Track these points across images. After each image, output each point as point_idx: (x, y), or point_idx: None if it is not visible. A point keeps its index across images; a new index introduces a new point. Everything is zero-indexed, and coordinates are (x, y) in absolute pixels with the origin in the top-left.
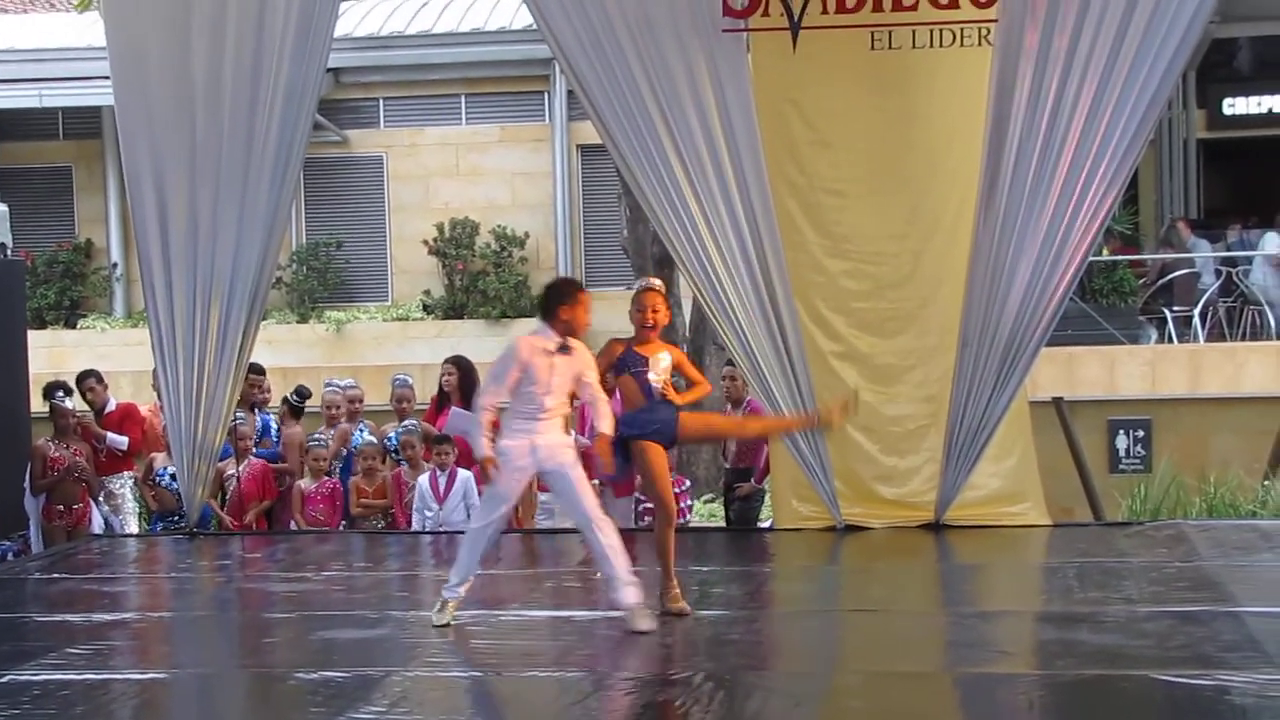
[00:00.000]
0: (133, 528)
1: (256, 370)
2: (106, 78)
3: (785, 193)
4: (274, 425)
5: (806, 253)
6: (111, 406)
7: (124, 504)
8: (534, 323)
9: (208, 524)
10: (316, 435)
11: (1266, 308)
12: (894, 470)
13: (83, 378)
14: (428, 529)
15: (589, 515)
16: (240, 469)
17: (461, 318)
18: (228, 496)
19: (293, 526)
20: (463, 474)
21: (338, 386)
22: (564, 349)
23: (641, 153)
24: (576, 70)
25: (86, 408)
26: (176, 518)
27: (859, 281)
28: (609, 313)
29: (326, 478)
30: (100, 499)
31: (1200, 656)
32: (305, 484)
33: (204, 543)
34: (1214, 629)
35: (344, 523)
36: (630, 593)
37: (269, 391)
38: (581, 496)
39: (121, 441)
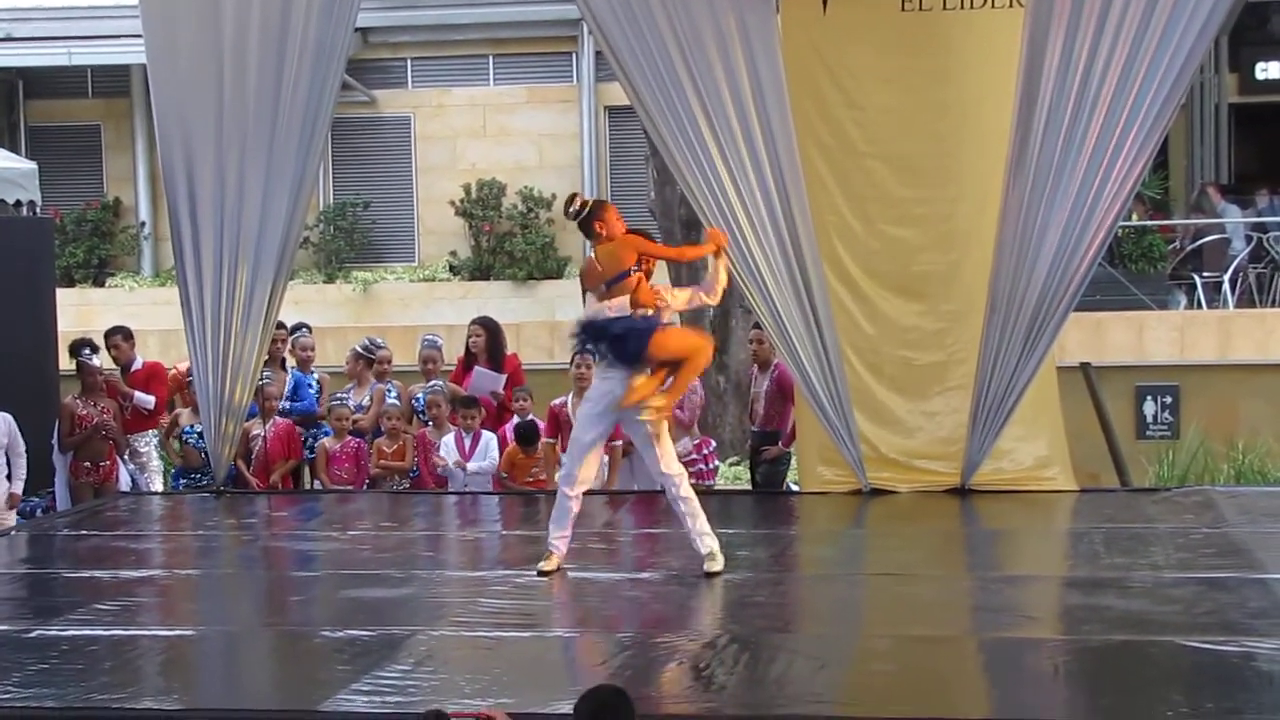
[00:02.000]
0: (158, 485)
1: (300, 329)
2: (136, 36)
3: (814, 154)
4: (314, 383)
5: (836, 214)
6: (138, 365)
7: (149, 462)
8: (559, 284)
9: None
10: (339, 394)
11: None
12: (920, 433)
13: (111, 334)
14: (452, 489)
15: (663, 469)
16: (266, 429)
17: (488, 279)
18: (253, 456)
19: (318, 485)
20: (486, 435)
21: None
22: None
23: (669, 114)
24: (605, 31)
25: (112, 364)
26: (198, 475)
27: (887, 244)
28: None
29: (350, 437)
30: (126, 457)
31: (1227, 623)
32: (329, 443)
33: (230, 501)
34: (1241, 595)
35: (366, 483)
36: (705, 541)
37: (313, 351)
38: (658, 449)
39: (148, 400)
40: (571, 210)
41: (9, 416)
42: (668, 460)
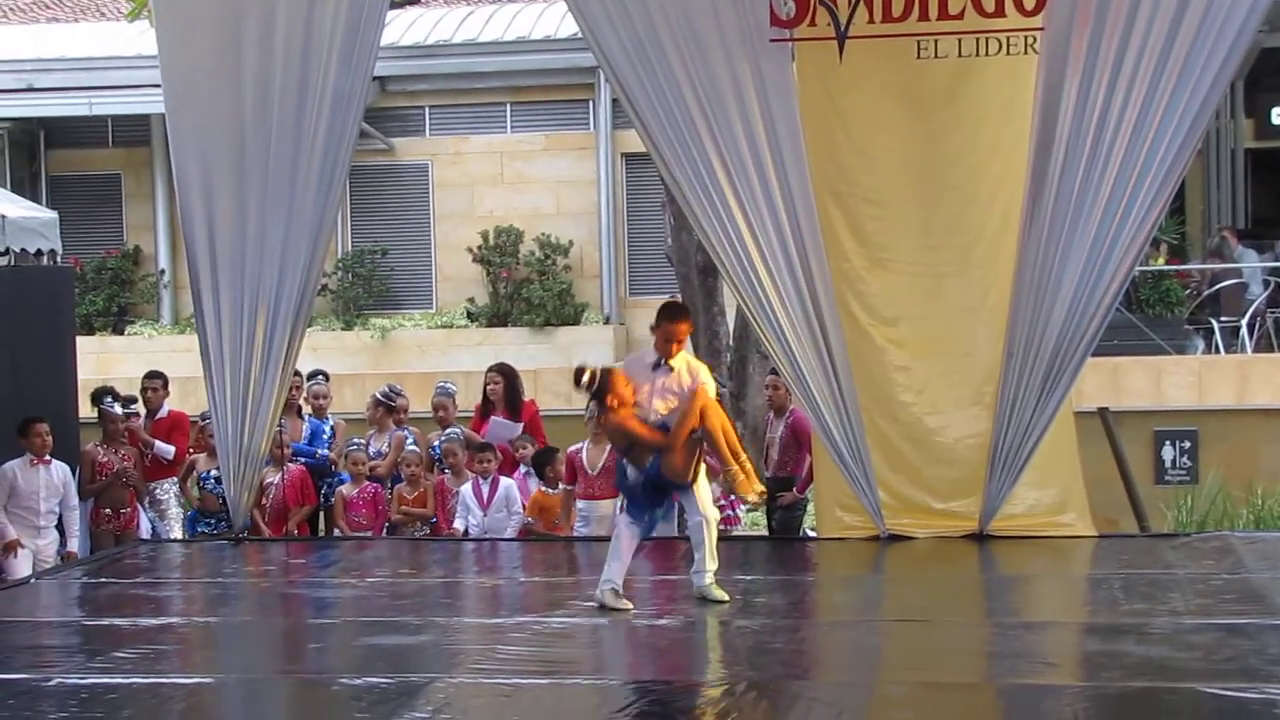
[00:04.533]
0: (177, 533)
1: (316, 376)
2: (156, 86)
3: (829, 202)
4: (328, 429)
5: (849, 263)
6: (163, 413)
7: (169, 510)
8: (576, 330)
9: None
10: (356, 440)
11: None
12: (938, 481)
13: (150, 376)
14: (471, 536)
15: (700, 511)
16: (280, 476)
17: (505, 325)
18: (268, 504)
19: (337, 533)
20: (505, 481)
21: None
22: (658, 365)
23: (686, 161)
24: (621, 79)
25: (142, 407)
26: (215, 520)
27: (900, 293)
28: (651, 321)
29: (368, 482)
30: (145, 505)
31: (1247, 669)
32: (347, 489)
33: (248, 548)
34: (1261, 641)
35: (386, 528)
36: (706, 576)
37: (328, 399)
38: (697, 494)
39: (168, 451)
40: (583, 382)
41: (66, 467)
42: (705, 503)
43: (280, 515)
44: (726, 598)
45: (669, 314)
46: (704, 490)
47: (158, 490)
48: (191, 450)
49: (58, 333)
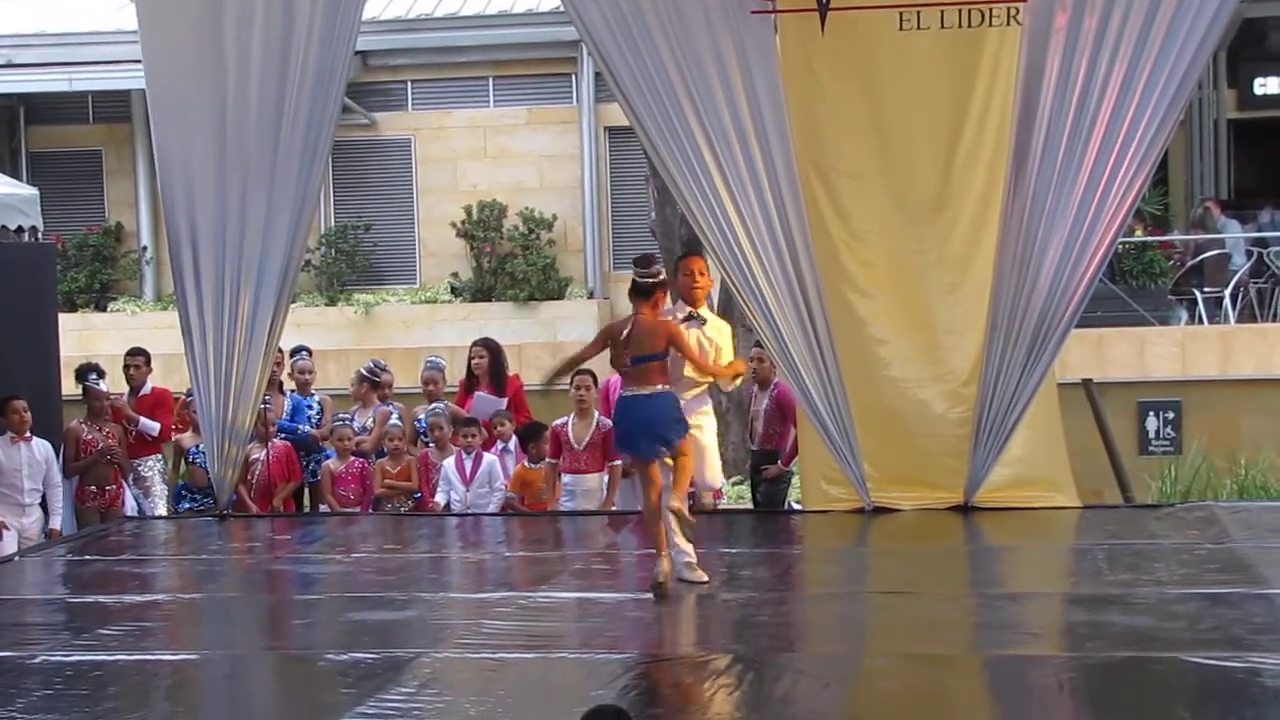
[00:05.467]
0: (161, 510)
1: (299, 352)
2: (136, 61)
3: (812, 175)
4: (316, 405)
5: (831, 236)
6: (147, 389)
7: (153, 487)
8: (560, 305)
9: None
10: (342, 415)
11: None
12: (923, 453)
13: (132, 354)
14: (454, 510)
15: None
16: (265, 452)
17: (489, 300)
18: (254, 480)
19: (324, 508)
20: (488, 457)
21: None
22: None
23: (669, 135)
24: (604, 52)
25: (125, 385)
26: (201, 496)
27: (882, 266)
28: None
29: (354, 458)
30: (129, 481)
31: (1231, 638)
32: (334, 464)
33: (233, 525)
34: (1245, 611)
35: (372, 503)
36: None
37: (312, 374)
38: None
39: (153, 427)
40: (647, 270)
41: (48, 444)
42: (714, 473)
43: (266, 491)
44: (705, 578)
45: (684, 253)
46: (715, 456)
47: (142, 467)
48: (176, 427)
49: (40, 310)
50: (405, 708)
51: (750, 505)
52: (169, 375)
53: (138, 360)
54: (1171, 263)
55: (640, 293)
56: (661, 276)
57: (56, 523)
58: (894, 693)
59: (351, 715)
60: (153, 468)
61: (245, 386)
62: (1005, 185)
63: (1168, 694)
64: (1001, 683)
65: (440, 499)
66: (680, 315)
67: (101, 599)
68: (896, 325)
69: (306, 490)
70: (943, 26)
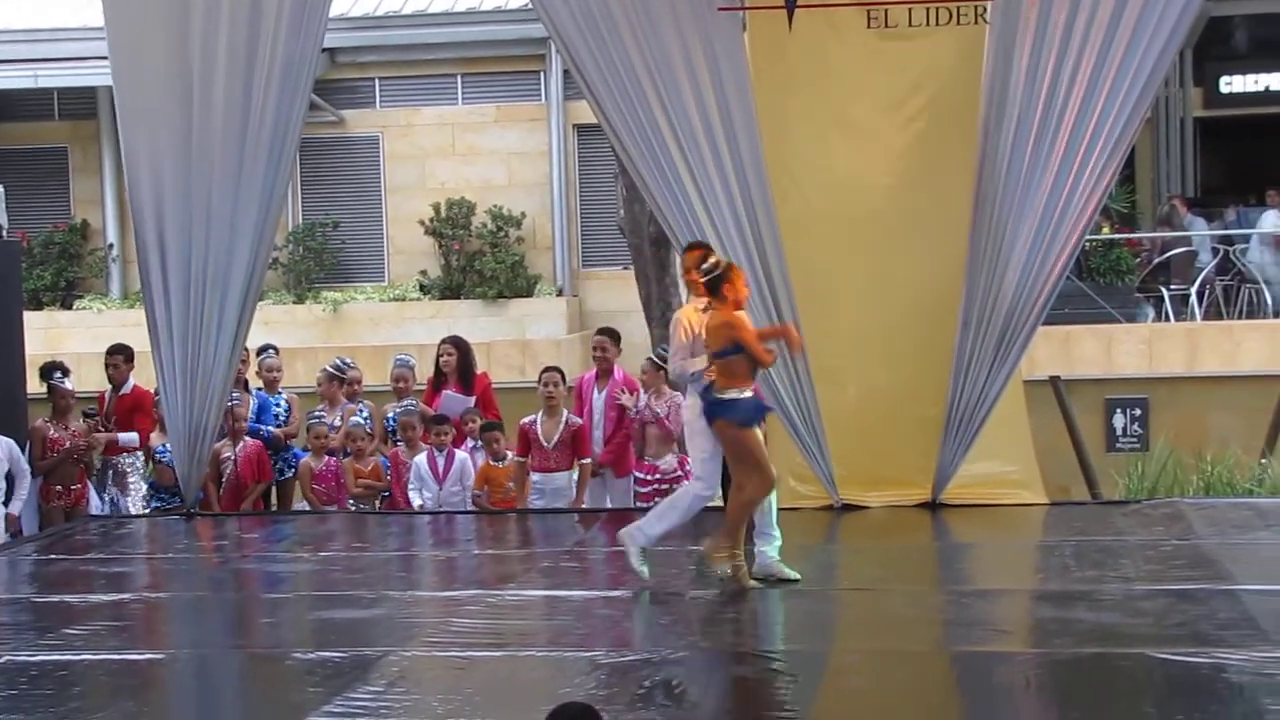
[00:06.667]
0: (138, 507)
1: (266, 350)
2: (103, 58)
3: (780, 171)
4: (284, 404)
5: (800, 233)
6: (128, 388)
7: (130, 484)
8: (529, 303)
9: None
10: (316, 411)
11: (1264, 286)
12: (891, 448)
13: (113, 351)
14: (426, 509)
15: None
16: (236, 451)
17: (458, 298)
18: (224, 479)
19: (303, 506)
20: (460, 455)
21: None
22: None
23: (637, 132)
24: (572, 50)
25: (106, 383)
26: (170, 495)
27: (854, 262)
28: (604, 293)
29: (329, 456)
30: (109, 480)
31: (1197, 634)
32: (311, 461)
33: (201, 524)
34: (1211, 607)
35: (349, 501)
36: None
37: (279, 372)
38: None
39: (133, 439)
40: (705, 267)
41: (12, 442)
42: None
43: (237, 491)
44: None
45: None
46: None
47: (121, 464)
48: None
49: (5, 308)
50: (373, 706)
51: (721, 502)
52: (137, 373)
53: (117, 359)
54: (1138, 260)
55: (710, 292)
56: (720, 268)
57: (16, 508)
58: (863, 689)
59: (319, 713)
60: (132, 465)
61: (213, 385)
62: (973, 181)
63: (1134, 689)
64: (970, 679)
65: (414, 498)
66: (700, 307)
67: (67, 598)
68: (864, 323)
69: (273, 490)
70: (910, 24)
